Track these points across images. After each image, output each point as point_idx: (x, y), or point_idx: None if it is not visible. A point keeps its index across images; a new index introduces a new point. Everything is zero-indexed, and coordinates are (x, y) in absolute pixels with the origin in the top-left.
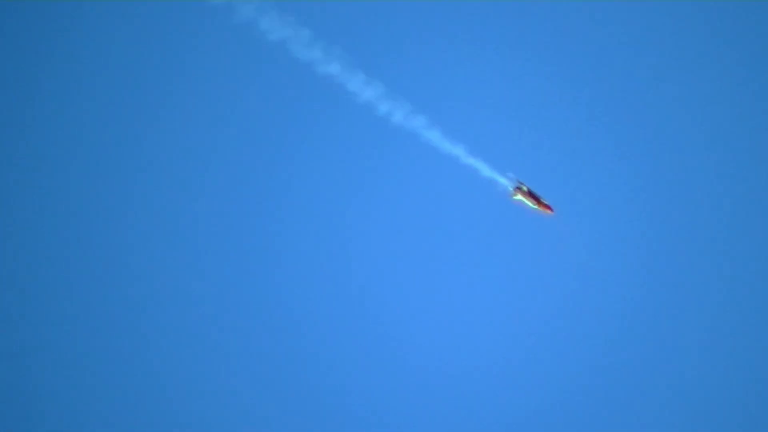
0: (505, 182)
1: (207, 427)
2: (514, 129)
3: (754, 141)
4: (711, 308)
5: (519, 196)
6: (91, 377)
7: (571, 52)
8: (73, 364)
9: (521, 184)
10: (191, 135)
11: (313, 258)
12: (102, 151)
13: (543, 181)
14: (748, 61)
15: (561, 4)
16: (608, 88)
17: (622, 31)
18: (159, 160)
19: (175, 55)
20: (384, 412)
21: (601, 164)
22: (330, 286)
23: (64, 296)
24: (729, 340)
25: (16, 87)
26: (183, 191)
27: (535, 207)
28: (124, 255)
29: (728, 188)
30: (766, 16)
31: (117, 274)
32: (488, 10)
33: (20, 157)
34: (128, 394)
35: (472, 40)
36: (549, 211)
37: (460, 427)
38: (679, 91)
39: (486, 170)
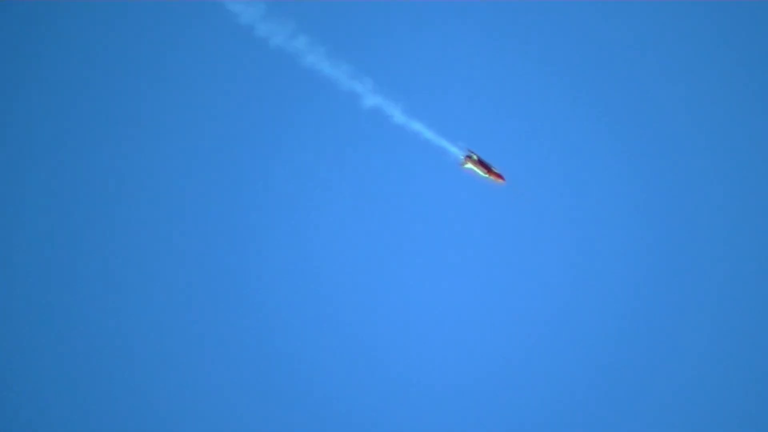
0: (456, 151)
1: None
2: (465, 98)
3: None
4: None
5: (469, 165)
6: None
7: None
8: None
9: (472, 152)
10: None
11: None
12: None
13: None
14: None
15: None
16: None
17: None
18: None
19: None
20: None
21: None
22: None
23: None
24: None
25: (16, 87)
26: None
27: (486, 176)
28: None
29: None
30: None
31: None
32: None
33: (19, 156)
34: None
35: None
36: (500, 180)
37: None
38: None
39: (436, 139)
